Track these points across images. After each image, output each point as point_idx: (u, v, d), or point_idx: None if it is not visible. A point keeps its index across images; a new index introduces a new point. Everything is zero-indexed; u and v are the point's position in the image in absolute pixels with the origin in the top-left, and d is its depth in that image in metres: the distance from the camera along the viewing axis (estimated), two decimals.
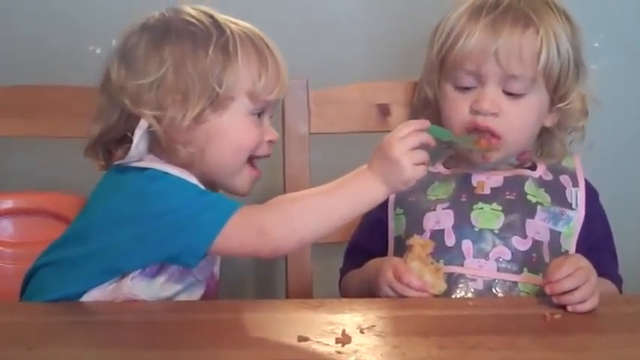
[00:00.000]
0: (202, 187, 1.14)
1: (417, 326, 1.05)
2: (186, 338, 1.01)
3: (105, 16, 1.56)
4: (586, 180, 1.31)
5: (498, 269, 1.23)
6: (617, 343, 1.02)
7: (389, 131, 1.41)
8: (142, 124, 1.13)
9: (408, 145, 1.10)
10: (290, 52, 1.55)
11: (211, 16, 1.17)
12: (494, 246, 1.23)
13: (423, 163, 1.11)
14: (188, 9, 1.18)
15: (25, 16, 1.60)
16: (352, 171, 1.14)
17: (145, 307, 1.12)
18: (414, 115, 1.37)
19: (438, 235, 1.24)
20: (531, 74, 1.23)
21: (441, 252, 1.21)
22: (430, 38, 1.31)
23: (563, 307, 1.09)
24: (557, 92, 1.27)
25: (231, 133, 1.16)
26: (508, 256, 1.23)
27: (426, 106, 1.34)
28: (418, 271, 1.15)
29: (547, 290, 1.11)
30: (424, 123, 1.14)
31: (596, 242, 1.28)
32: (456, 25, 1.26)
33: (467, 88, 1.26)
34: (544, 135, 1.32)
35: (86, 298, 1.12)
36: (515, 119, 1.24)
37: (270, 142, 1.21)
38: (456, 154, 1.33)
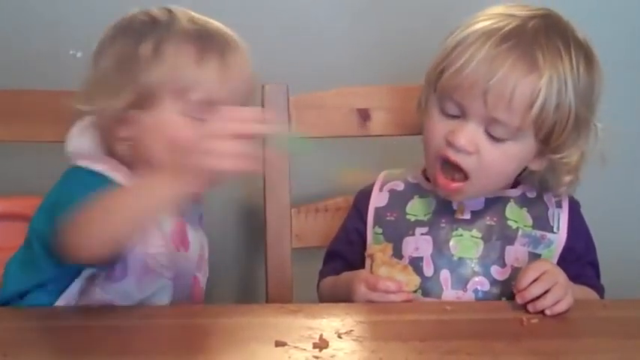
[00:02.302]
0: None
1: (395, 331, 1.05)
2: (161, 344, 1.01)
3: (86, 19, 1.56)
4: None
5: (476, 300, 1.21)
6: (593, 347, 1.02)
7: (369, 136, 1.44)
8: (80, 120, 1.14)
9: (212, 130, 0.98)
10: (270, 57, 1.56)
11: (169, 12, 1.16)
12: (472, 275, 1.21)
13: (236, 156, 0.96)
14: (159, 7, 1.17)
15: (4, 19, 1.59)
16: None
17: (118, 312, 1.12)
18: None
19: (416, 262, 1.22)
20: (518, 123, 1.14)
21: (420, 281, 1.19)
22: (440, 42, 1.23)
23: (542, 312, 1.09)
24: (549, 143, 1.18)
25: (159, 133, 1.13)
26: (486, 286, 1.21)
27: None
28: (389, 275, 1.15)
29: (518, 300, 1.11)
30: (263, 117, 1.02)
31: (578, 255, 1.25)
32: (461, 43, 1.17)
33: (451, 115, 1.19)
34: (531, 175, 1.25)
35: (60, 302, 1.12)
36: (491, 162, 1.17)
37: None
38: None
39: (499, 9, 1.21)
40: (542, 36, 1.16)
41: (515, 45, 1.14)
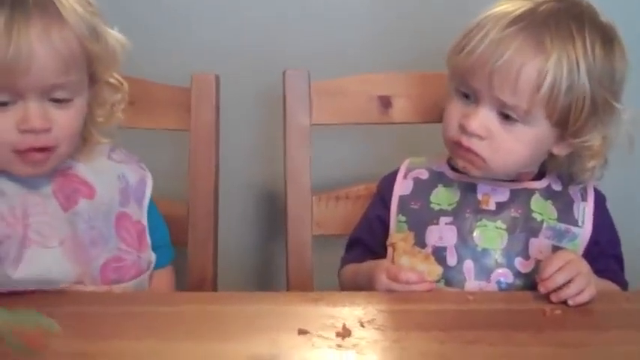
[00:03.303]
0: None
1: (417, 320, 1.05)
2: (182, 330, 1.01)
3: None
4: (594, 187, 1.27)
5: (499, 291, 1.21)
6: (616, 339, 1.02)
7: (390, 123, 1.43)
8: None
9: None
10: (292, 43, 1.56)
11: None
12: (496, 267, 1.21)
13: None
14: None
15: None
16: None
17: (140, 298, 1.13)
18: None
19: (440, 252, 1.22)
20: (525, 106, 1.14)
21: (443, 271, 1.18)
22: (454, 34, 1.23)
23: (564, 302, 1.09)
24: (566, 127, 1.17)
25: None
26: (510, 278, 1.21)
27: None
28: (410, 265, 1.15)
29: (541, 289, 1.10)
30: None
31: (602, 249, 1.25)
32: (475, 27, 1.18)
33: (467, 96, 1.20)
34: (558, 160, 1.25)
35: None
36: (503, 146, 1.18)
37: (25, 131, 1.09)
38: None
39: None
40: (553, 19, 1.16)
41: (523, 27, 1.15)
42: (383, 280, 1.15)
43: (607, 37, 1.18)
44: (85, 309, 1.08)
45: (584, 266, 1.12)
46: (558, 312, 1.07)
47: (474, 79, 1.17)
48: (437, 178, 1.29)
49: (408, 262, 1.15)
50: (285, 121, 1.41)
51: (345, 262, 1.35)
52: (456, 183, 1.27)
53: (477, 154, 1.19)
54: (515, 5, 1.18)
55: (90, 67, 1.14)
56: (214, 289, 1.40)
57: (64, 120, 1.12)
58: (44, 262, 1.12)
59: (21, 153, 1.11)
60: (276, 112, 1.43)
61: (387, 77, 1.44)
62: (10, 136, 1.09)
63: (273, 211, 1.65)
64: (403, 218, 1.28)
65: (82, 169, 1.20)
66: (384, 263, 1.18)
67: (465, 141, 1.19)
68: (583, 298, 1.09)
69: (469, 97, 1.20)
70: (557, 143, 1.21)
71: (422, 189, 1.29)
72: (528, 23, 1.15)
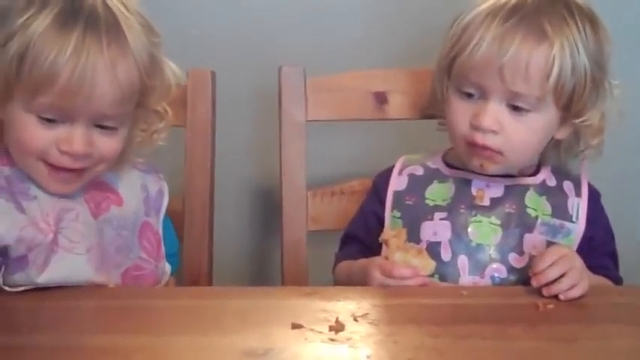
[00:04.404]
0: None
1: (411, 314, 1.05)
2: (176, 325, 1.01)
3: None
4: (588, 183, 1.28)
5: (493, 285, 1.21)
6: (608, 333, 1.02)
7: (386, 119, 1.44)
8: None
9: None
10: (287, 39, 1.57)
11: None
12: (490, 262, 1.22)
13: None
14: None
15: None
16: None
17: (135, 292, 1.13)
18: (428, 106, 1.35)
19: (434, 247, 1.22)
20: (538, 93, 1.17)
21: (437, 266, 1.19)
22: (446, 33, 1.25)
23: (556, 296, 1.09)
24: (570, 109, 1.20)
25: (10, 128, 1.10)
26: (504, 273, 1.22)
27: (435, 103, 1.31)
28: (404, 261, 1.15)
29: (534, 283, 1.11)
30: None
31: (597, 245, 1.26)
32: (469, 26, 1.19)
33: (470, 95, 1.21)
34: (557, 147, 1.27)
35: None
36: (517, 137, 1.19)
37: (65, 152, 1.09)
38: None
39: None
40: (544, 6, 1.18)
41: (520, 19, 1.17)
42: (377, 276, 1.15)
43: (592, 17, 1.21)
44: (81, 303, 1.08)
45: (578, 261, 1.13)
46: (551, 306, 1.08)
47: (481, 77, 1.18)
48: (432, 174, 1.30)
49: (402, 258, 1.15)
50: (281, 117, 1.41)
51: (338, 258, 1.35)
52: (451, 179, 1.28)
53: (494, 150, 1.20)
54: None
55: (142, 98, 1.14)
56: (209, 283, 1.41)
57: (106, 147, 1.12)
58: (69, 268, 1.12)
59: (53, 167, 1.10)
60: (271, 108, 1.44)
61: (383, 73, 1.45)
62: (47, 151, 1.09)
63: (268, 206, 1.65)
64: (398, 214, 1.28)
65: (111, 177, 1.20)
66: (377, 260, 1.18)
67: (480, 139, 1.19)
68: (574, 293, 1.10)
69: (472, 95, 1.21)
70: (559, 127, 1.23)
71: (417, 185, 1.29)
72: (525, 14, 1.17)
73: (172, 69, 1.18)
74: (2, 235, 1.06)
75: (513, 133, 1.19)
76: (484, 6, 1.20)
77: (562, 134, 1.25)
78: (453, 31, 1.23)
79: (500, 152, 1.20)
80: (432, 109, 1.35)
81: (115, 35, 1.07)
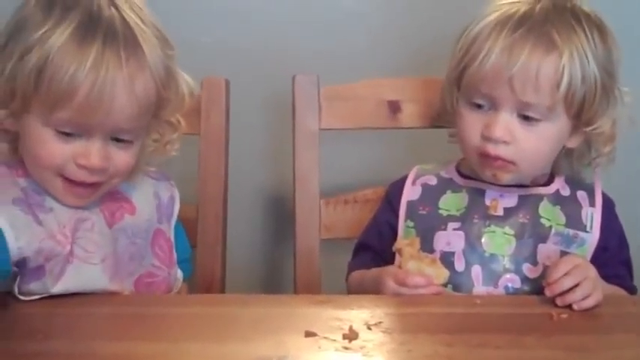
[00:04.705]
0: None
1: (424, 323, 1.05)
2: (190, 332, 1.01)
3: None
4: (602, 192, 1.28)
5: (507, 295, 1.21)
6: (622, 343, 1.02)
7: (399, 128, 1.44)
8: None
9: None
10: (301, 47, 1.57)
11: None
12: (504, 272, 1.22)
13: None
14: None
15: None
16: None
17: (149, 300, 1.13)
18: (437, 117, 1.36)
19: (447, 257, 1.22)
20: (548, 103, 1.17)
21: (451, 276, 1.18)
22: (454, 44, 1.25)
23: (570, 306, 1.09)
24: (581, 117, 1.20)
25: (26, 141, 1.10)
26: (517, 283, 1.21)
27: (445, 114, 1.31)
28: (417, 269, 1.15)
29: (547, 292, 1.11)
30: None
31: (611, 255, 1.25)
32: (477, 38, 1.19)
33: (481, 106, 1.21)
34: (569, 155, 1.27)
35: None
36: (529, 147, 1.19)
37: (83, 166, 1.09)
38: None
39: None
40: (552, 15, 1.18)
41: (529, 29, 1.17)
42: (390, 285, 1.15)
43: (600, 25, 1.21)
44: (95, 310, 1.08)
45: (592, 271, 1.12)
46: (565, 316, 1.07)
47: (491, 88, 1.18)
48: (445, 184, 1.30)
49: (415, 267, 1.15)
50: (294, 126, 1.41)
51: (351, 267, 1.35)
52: (465, 189, 1.28)
53: (506, 160, 1.20)
54: (507, 10, 1.20)
55: (157, 110, 1.14)
56: (222, 291, 1.41)
57: (121, 160, 1.12)
58: (84, 278, 1.12)
59: (69, 181, 1.10)
60: (285, 117, 1.44)
61: (396, 82, 1.45)
62: (65, 166, 1.09)
63: (281, 215, 1.65)
64: (411, 224, 1.28)
65: (124, 186, 1.20)
66: (390, 268, 1.18)
67: (492, 149, 1.19)
68: (588, 303, 1.09)
69: (482, 106, 1.21)
70: (571, 136, 1.23)
71: (430, 195, 1.29)
72: (533, 24, 1.17)
73: (186, 80, 1.18)
74: (23, 249, 1.07)
75: (525, 142, 1.19)
76: (492, 17, 1.20)
77: (573, 143, 1.25)
78: (462, 43, 1.23)
79: (512, 162, 1.20)
80: (441, 121, 1.35)
81: (132, 49, 1.07)
